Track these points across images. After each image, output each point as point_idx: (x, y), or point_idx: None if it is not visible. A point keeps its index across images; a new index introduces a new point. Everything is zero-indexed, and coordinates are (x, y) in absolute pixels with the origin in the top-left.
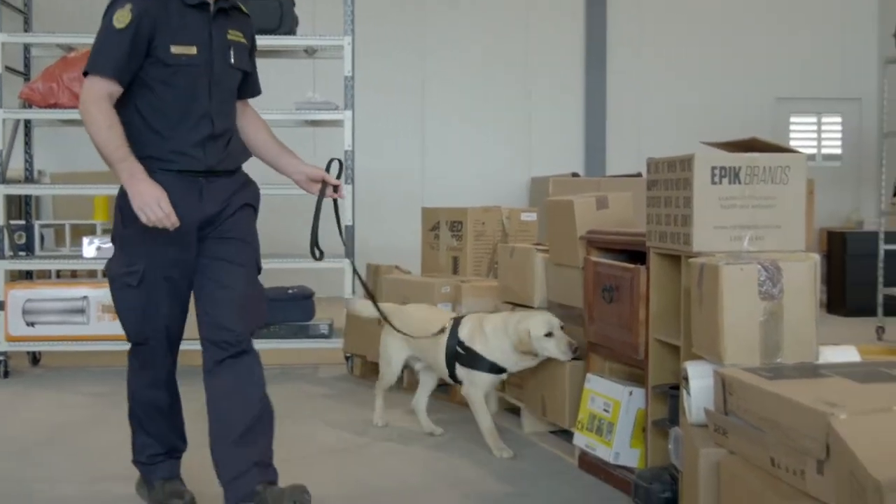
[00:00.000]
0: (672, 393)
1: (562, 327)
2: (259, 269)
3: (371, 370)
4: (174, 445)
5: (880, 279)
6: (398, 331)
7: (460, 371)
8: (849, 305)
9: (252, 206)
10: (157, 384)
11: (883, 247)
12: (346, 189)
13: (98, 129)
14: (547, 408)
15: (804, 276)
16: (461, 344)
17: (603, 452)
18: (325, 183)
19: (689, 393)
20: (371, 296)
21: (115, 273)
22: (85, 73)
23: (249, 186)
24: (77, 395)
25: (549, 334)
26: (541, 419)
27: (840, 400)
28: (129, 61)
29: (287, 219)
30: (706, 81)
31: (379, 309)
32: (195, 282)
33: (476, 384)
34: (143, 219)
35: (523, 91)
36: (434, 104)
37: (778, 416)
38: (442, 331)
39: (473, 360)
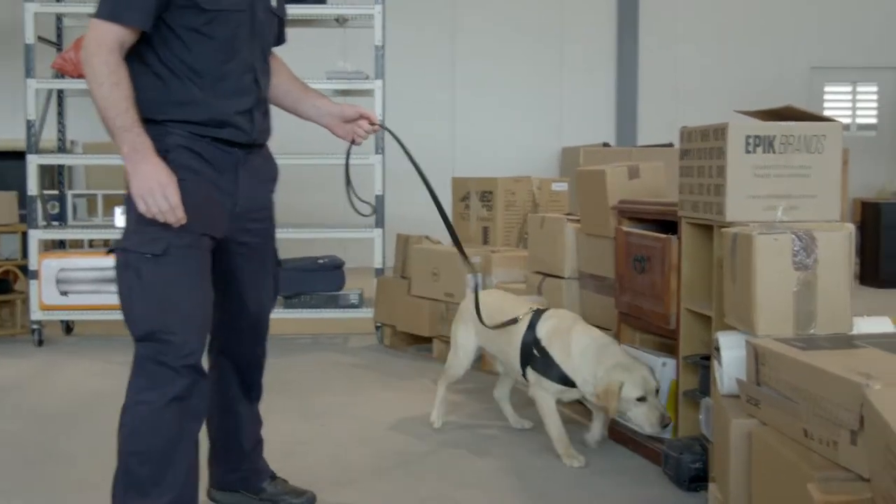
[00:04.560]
0: (703, 363)
1: (657, 392)
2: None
3: (401, 340)
4: (194, 497)
5: None
6: (480, 319)
7: (530, 373)
8: (882, 277)
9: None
10: (186, 401)
11: None
12: (376, 159)
13: (100, 85)
14: None
15: (839, 245)
16: (538, 343)
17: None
18: (363, 120)
19: (720, 363)
20: (469, 262)
21: (129, 245)
22: (93, 16)
23: (273, 165)
24: (109, 363)
25: (641, 398)
26: None
27: (874, 371)
28: (157, 4)
29: (317, 188)
30: (739, 50)
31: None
32: (215, 287)
33: (545, 388)
34: (142, 208)
35: (555, 60)
36: (464, 73)
37: (811, 387)
38: (514, 321)
39: (547, 366)
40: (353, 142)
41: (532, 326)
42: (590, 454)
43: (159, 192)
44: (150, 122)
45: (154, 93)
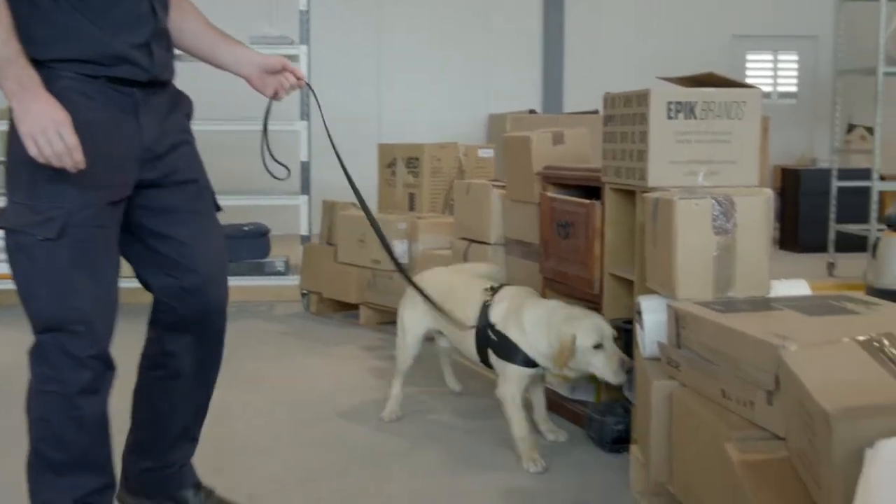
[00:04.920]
0: (626, 327)
1: (615, 339)
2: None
3: (327, 307)
4: (113, 476)
5: (832, 216)
6: (444, 312)
7: (494, 360)
8: (801, 242)
9: (189, 128)
10: (97, 387)
11: (836, 184)
12: (301, 125)
13: None
14: None
15: (757, 210)
16: (493, 328)
17: (560, 387)
18: (287, 73)
19: (642, 327)
20: (395, 262)
21: (17, 225)
22: None
23: (186, 101)
24: (23, 333)
25: (598, 346)
26: None
27: (790, 332)
28: None
29: (241, 154)
30: (664, 19)
31: (410, 280)
32: (147, 243)
33: (509, 378)
34: (33, 151)
35: (482, 27)
36: (391, 40)
37: (729, 349)
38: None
39: (508, 349)
40: (274, 96)
41: (484, 311)
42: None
43: (53, 130)
44: (32, 62)
45: (33, 25)
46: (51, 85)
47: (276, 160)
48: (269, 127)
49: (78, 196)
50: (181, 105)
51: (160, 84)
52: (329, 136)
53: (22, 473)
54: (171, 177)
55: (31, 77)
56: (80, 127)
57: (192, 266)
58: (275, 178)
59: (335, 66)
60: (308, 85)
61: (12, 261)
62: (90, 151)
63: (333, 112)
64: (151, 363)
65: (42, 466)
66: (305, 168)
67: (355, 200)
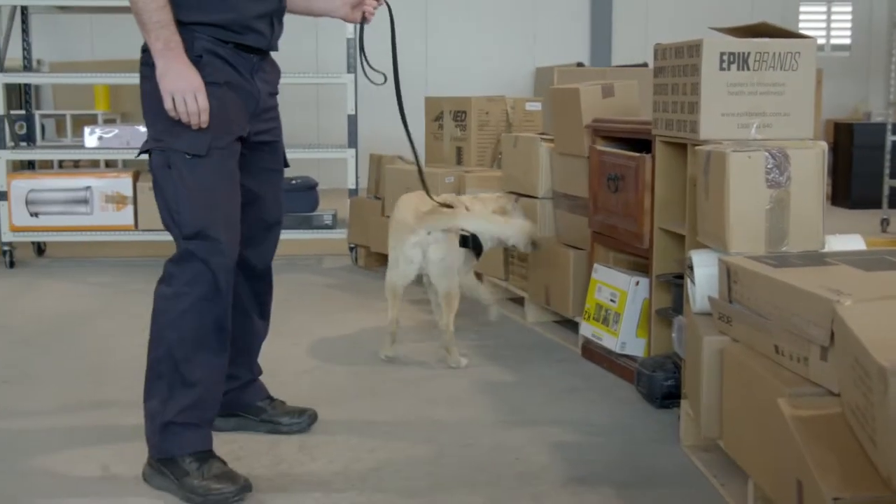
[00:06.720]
0: (676, 282)
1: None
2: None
3: (374, 261)
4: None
5: (886, 171)
6: None
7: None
8: (854, 197)
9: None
10: (223, 296)
11: (890, 138)
12: (348, 78)
13: None
14: (551, 297)
15: (812, 163)
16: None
17: (609, 342)
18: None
19: (693, 282)
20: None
21: (170, 145)
22: None
23: (277, 68)
24: (82, 284)
25: None
26: (544, 309)
27: (845, 287)
28: None
29: (289, 108)
30: None
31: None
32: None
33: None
34: (168, 105)
35: None
36: None
37: (783, 304)
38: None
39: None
40: (363, 21)
41: None
42: (561, 372)
43: (191, 93)
44: (176, 23)
45: None
46: (192, 43)
47: (373, 68)
48: (318, 80)
49: (217, 128)
50: (276, 72)
51: (269, 52)
52: (396, 69)
53: (88, 413)
54: (261, 136)
55: (178, 42)
56: (219, 76)
57: (267, 216)
58: (374, 83)
59: (381, 17)
60: (385, 2)
61: (162, 176)
62: (223, 97)
63: (380, 64)
64: None
65: (167, 368)
66: (352, 121)
67: (401, 154)
